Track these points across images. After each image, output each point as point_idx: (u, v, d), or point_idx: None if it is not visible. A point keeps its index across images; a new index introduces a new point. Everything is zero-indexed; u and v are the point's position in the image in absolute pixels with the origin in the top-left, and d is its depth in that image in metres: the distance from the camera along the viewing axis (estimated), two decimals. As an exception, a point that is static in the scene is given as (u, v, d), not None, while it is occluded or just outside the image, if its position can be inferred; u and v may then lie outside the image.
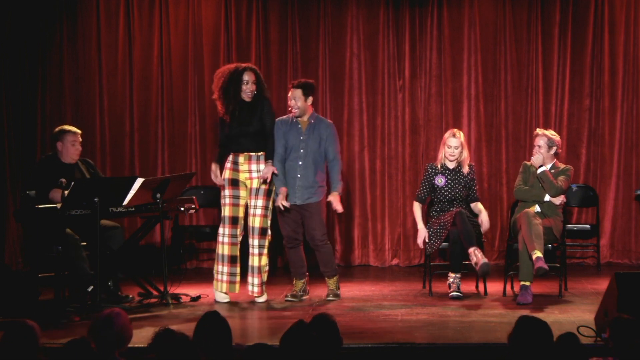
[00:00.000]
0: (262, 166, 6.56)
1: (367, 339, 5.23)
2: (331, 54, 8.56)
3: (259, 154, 6.58)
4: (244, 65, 6.65)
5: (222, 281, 6.60)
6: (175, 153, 8.59)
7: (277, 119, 6.74)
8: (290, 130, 6.66)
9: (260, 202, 6.57)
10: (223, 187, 6.63)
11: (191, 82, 8.56)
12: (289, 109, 6.72)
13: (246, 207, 6.65)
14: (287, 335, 3.67)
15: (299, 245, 6.75)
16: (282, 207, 6.54)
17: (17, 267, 8.04)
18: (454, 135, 6.79)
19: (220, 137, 6.76)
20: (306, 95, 6.65)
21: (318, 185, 6.67)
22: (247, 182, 6.61)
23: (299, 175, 6.63)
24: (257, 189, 6.58)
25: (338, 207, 6.65)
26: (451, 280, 6.63)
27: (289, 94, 6.71)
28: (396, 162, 8.56)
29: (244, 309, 6.45)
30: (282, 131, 6.65)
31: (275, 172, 6.54)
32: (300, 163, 6.64)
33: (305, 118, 6.69)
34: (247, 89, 6.54)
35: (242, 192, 6.63)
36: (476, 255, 6.43)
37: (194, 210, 6.80)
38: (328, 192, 6.74)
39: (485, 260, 6.42)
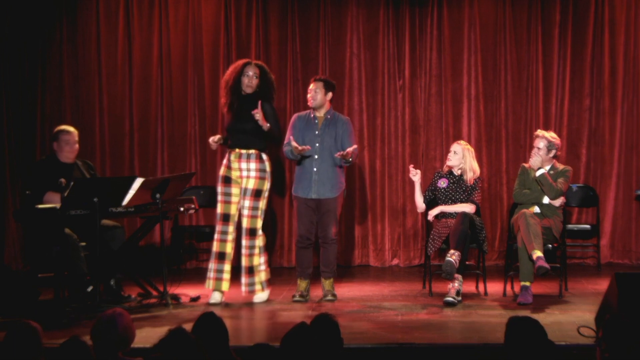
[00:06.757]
0: (252, 164, 6.56)
1: (367, 339, 5.23)
2: (331, 53, 8.56)
3: (250, 152, 6.58)
4: (253, 60, 6.74)
5: (209, 278, 6.59)
6: (175, 153, 8.59)
7: (296, 114, 6.87)
8: (306, 126, 6.72)
9: (247, 203, 6.56)
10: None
11: (191, 82, 8.56)
12: (308, 99, 6.75)
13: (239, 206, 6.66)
14: (289, 336, 3.67)
15: (310, 246, 6.76)
16: (298, 147, 6.52)
17: (17, 267, 8.04)
18: (458, 143, 6.89)
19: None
20: (326, 89, 6.73)
21: (335, 181, 6.68)
22: (239, 180, 6.61)
23: (315, 169, 6.66)
24: (246, 189, 6.57)
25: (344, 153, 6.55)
26: (456, 284, 6.50)
27: (310, 87, 6.76)
28: (396, 162, 8.55)
29: (244, 310, 6.45)
30: (298, 127, 6.71)
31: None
32: (317, 157, 6.67)
33: (322, 113, 6.74)
34: (247, 81, 6.55)
35: (234, 190, 6.62)
36: (452, 255, 6.39)
37: (193, 211, 6.79)
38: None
39: (451, 259, 6.33)
